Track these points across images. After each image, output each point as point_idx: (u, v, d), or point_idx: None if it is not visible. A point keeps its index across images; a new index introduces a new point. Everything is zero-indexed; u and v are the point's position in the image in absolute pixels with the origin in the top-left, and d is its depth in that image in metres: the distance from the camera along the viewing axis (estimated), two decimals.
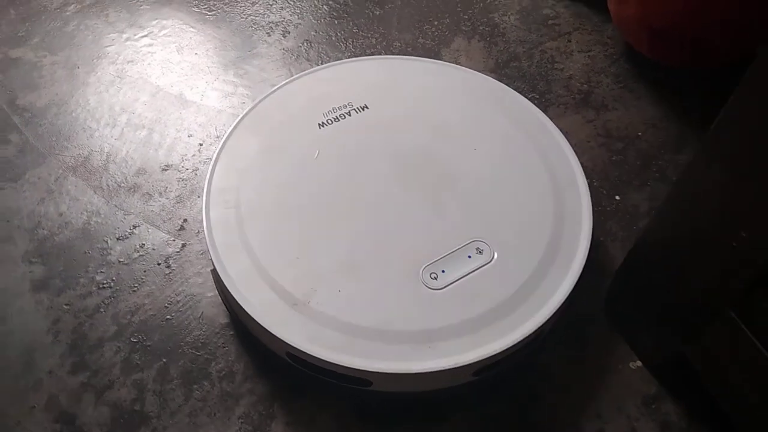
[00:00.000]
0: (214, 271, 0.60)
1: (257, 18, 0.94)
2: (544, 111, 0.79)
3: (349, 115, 0.71)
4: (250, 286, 0.58)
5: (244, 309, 0.57)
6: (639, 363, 0.63)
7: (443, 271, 0.59)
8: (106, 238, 0.71)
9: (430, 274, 0.59)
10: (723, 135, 0.46)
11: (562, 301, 0.58)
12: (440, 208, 0.64)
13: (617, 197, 0.75)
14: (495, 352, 0.55)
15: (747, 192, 0.45)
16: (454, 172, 0.67)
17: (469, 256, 0.60)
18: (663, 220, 0.55)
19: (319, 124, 0.70)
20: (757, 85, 0.41)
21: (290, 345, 0.55)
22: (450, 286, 0.58)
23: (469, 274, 0.59)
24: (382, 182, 0.66)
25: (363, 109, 0.72)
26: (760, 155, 0.43)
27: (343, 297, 0.58)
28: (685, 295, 0.54)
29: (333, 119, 0.71)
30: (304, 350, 0.55)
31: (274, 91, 0.74)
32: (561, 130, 0.71)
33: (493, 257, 0.60)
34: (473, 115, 0.72)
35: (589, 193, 0.65)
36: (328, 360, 0.54)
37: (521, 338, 0.55)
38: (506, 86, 0.76)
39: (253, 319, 0.57)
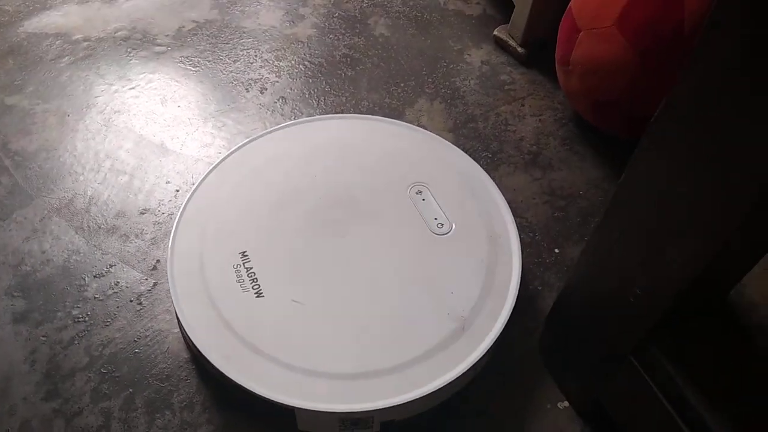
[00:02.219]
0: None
1: (238, 75, 1.02)
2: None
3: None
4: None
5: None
6: (566, 403, 0.70)
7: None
8: (84, 276, 0.77)
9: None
10: (619, 204, 0.53)
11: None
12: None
13: (557, 250, 0.82)
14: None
15: (640, 256, 0.52)
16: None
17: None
18: (578, 275, 0.62)
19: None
20: (643, 163, 0.49)
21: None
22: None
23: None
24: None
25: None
26: (648, 223, 0.50)
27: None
28: (597, 343, 0.61)
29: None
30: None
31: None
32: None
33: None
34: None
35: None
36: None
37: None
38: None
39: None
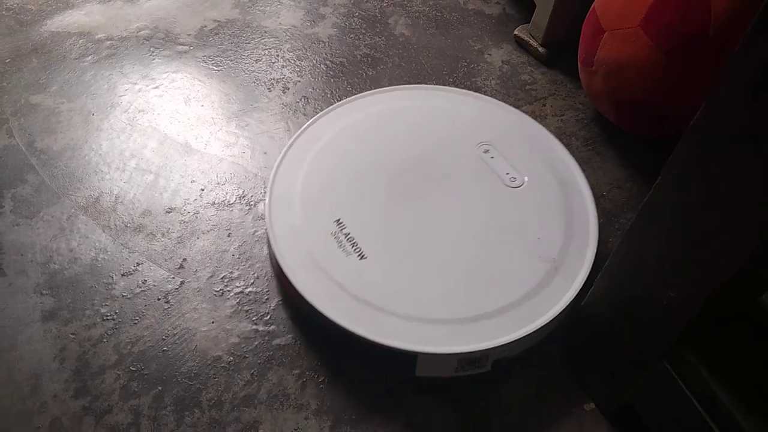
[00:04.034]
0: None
1: (260, 74, 1.03)
2: None
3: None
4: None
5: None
6: (592, 405, 0.70)
7: None
8: (111, 274, 0.78)
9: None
10: (654, 206, 0.53)
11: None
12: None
13: None
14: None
15: (675, 258, 0.52)
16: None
17: None
18: (607, 278, 0.62)
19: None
20: (680, 166, 0.49)
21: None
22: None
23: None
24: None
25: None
26: (683, 226, 0.50)
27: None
28: (627, 346, 0.61)
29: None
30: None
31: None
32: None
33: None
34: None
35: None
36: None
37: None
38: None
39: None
